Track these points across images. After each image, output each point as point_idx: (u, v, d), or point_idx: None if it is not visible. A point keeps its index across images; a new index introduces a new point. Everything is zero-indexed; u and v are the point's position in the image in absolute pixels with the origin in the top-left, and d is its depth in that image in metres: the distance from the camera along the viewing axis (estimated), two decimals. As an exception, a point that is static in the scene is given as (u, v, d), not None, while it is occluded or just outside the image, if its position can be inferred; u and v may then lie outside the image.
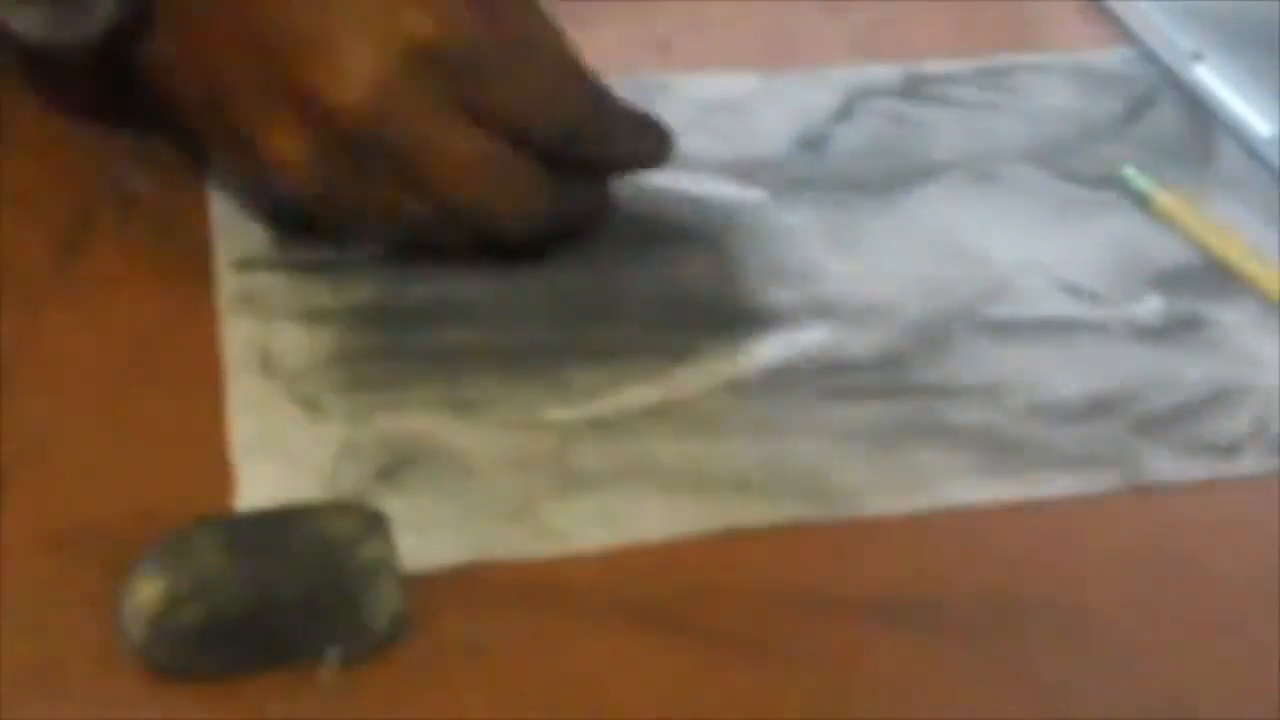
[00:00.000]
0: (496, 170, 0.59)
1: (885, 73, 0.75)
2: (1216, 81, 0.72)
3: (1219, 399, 0.59)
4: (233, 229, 0.64)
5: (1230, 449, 0.57)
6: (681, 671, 0.49)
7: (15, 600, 0.50)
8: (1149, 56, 0.75)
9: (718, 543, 0.53)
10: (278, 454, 0.55)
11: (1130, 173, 0.67)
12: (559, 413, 0.57)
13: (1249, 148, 0.70)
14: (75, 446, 0.55)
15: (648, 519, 0.54)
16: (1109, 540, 0.54)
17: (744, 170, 0.68)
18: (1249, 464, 0.57)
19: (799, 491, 0.55)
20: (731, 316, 0.61)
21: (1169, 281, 0.64)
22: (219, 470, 0.54)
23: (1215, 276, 0.64)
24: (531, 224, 0.61)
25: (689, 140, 0.67)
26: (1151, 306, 0.62)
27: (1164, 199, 0.66)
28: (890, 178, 0.69)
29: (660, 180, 0.66)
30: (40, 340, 0.59)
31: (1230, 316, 0.62)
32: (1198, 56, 0.73)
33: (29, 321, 0.59)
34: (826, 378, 0.59)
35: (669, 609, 0.51)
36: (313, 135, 0.59)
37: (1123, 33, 0.77)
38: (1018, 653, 0.50)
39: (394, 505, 0.53)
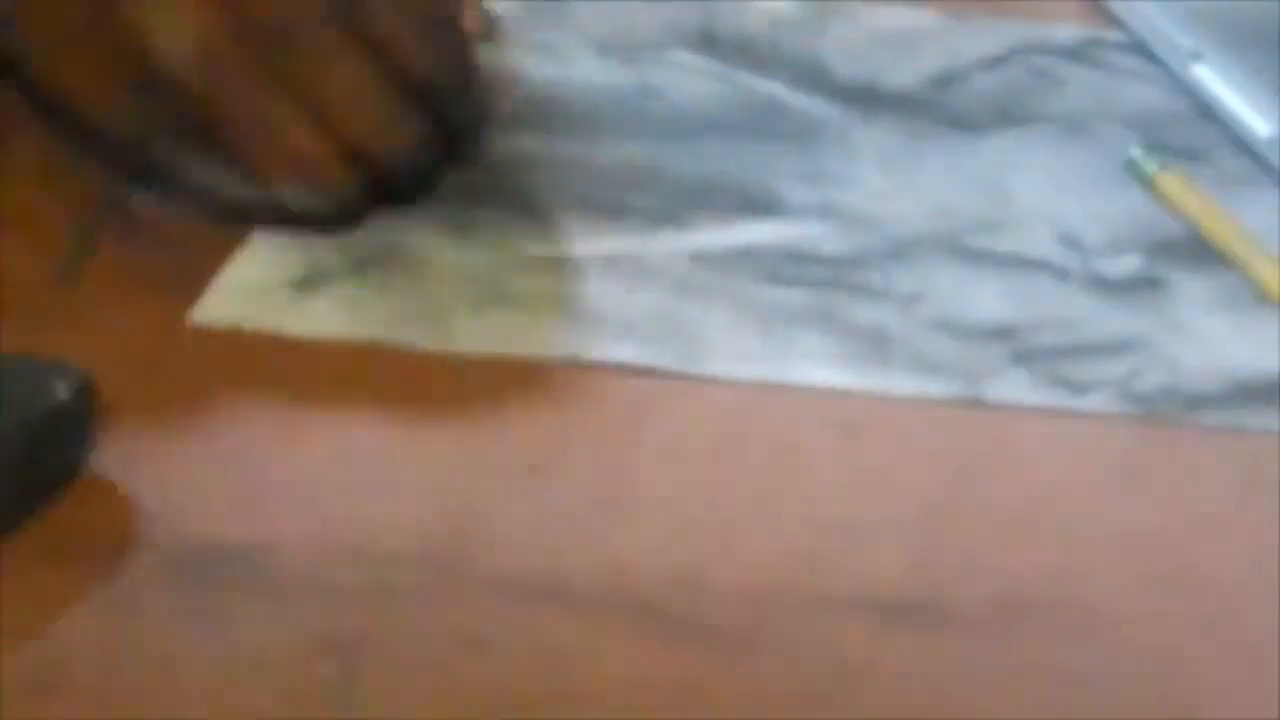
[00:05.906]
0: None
1: (1064, 33, 0.78)
2: (1216, 81, 0.72)
3: (1112, 348, 0.61)
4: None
5: (1082, 387, 0.60)
6: (680, 670, 0.51)
7: (15, 608, 0.52)
8: (1149, 56, 0.76)
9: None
10: (275, 248, 0.65)
11: (1137, 154, 0.69)
12: (533, 247, 0.66)
13: (1249, 148, 0.70)
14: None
15: (512, 338, 0.61)
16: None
17: (862, 97, 0.73)
18: (1091, 404, 0.59)
19: (659, 343, 0.61)
20: (740, 203, 0.68)
21: (1158, 248, 0.66)
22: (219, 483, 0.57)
23: (1202, 251, 0.66)
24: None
25: (832, 63, 0.74)
26: (1124, 263, 0.65)
27: (1165, 181, 0.68)
28: (986, 119, 0.73)
29: (749, 81, 0.73)
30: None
31: (1192, 286, 0.64)
32: (1198, 56, 0.73)
33: (29, 341, 0.59)
34: (779, 264, 0.65)
35: (669, 608, 0.52)
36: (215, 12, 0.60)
37: (1123, 32, 0.78)
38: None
39: (342, 289, 0.63)
